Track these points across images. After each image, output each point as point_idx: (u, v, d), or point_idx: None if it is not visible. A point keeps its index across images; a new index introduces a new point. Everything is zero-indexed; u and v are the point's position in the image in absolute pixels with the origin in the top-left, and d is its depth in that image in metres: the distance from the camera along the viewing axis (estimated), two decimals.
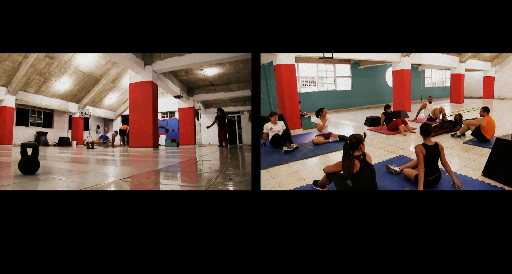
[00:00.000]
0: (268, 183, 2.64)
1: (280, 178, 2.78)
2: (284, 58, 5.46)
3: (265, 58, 6.49)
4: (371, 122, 5.63)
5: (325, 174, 2.32)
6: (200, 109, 11.77)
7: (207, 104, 12.46)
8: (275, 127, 3.83)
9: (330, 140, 4.06)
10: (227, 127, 7.79)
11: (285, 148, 3.50)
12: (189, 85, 10.34)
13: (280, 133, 3.78)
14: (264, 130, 3.92)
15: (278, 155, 3.48)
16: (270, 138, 3.83)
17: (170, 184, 2.03)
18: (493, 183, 2.37)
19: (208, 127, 8.02)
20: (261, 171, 2.97)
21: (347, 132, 4.33)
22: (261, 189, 2.27)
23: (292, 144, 3.64)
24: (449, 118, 5.15)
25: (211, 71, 8.83)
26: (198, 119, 11.66)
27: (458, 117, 4.66)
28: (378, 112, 6.08)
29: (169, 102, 11.49)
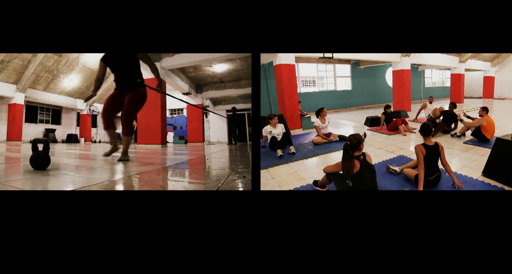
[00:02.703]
0: (268, 183, 2.64)
1: (280, 178, 2.78)
2: (284, 58, 5.46)
3: (265, 58, 6.49)
4: (371, 122, 5.63)
5: (325, 174, 2.32)
6: (208, 106, 11.74)
7: (215, 101, 12.37)
8: (274, 131, 3.80)
9: (331, 140, 4.06)
10: (136, 93, 2.88)
11: (279, 152, 3.47)
12: (198, 82, 10.29)
13: (279, 138, 3.74)
14: (264, 134, 3.87)
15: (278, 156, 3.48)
16: (269, 140, 3.80)
17: (179, 180, 2.02)
18: (493, 183, 2.37)
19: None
20: (261, 171, 2.97)
21: (347, 132, 4.33)
22: (261, 189, 2.27)
23: (291, 147, 3.61)
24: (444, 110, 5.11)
25: (220, 68, 8.73)
26: (206, 116, 11.59)
27: (452, 107, 4.66)
28: (378, 112, 6.07)
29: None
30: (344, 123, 6.30)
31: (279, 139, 3.72)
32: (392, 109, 5.21)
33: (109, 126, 2.87)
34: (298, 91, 6.41)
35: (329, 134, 4.17)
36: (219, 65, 8.50)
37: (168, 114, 11.61)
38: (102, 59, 2.81)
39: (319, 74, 9.29)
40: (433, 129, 2.44)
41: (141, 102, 2.92)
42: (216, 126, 11.80)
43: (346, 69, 9.68)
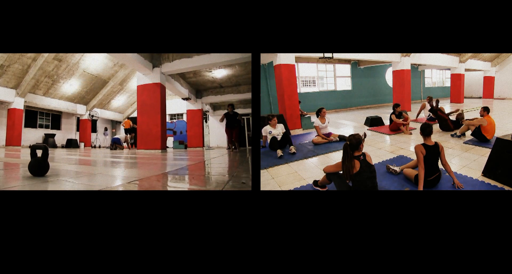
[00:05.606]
0: (268, 183, 2.64)
1: (280, 178, 2.78)
2: (284, 58, 5.46)
3: (265, 58, 6.49)
4: (371, 122, 5.62)
5: (325, 174, 2.32)
6: (208, 111, 11.68)
7: (215, 106, 12.41)
8: (274, 131, 3.79)
9: (331, 140, 4.06)
10: (238, 128, 6.86)
11: (279, 153, 3.46)
12: (197, 87, 10.29)
13: (279, 138, 3.74)
14: (263, 133, 3.86)
15: (278, 156, 3.48)
16: (269, 141, 3.79)
17: (179, 187, 2.01)
18: (493, 183, 2.37)
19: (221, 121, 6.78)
20: (261, 171, 2.97)
21: (347, 132, 4.33)
22: (261, 189, 2.27)
23: (291, 147, 3.61)
24: (451, 117, 5.13)
25: (220, 73, 8.71)
26: (206, 121, 11.57)
27: (460, 117, 4.65)
28: (378, 112, 6.07)
29: (177, 104, 11.45)
30: (344, 123, 6.30)
31: (279, 139, 3.71)
32: (400, 109, 5.13)
33: (230, 142, 7.18)
34: (298, 91, 6.41)
35: (329, 135, 4.17)
36: (218, 71, 8.49)
37: (168, 119, 11.53)
38: (225, 114, 6.61)
39: (319, 74, 9.29)
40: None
41: (238, 134, 7.03)
42: (216, 132, 11.85)
43: (346, 69, 9.68)
